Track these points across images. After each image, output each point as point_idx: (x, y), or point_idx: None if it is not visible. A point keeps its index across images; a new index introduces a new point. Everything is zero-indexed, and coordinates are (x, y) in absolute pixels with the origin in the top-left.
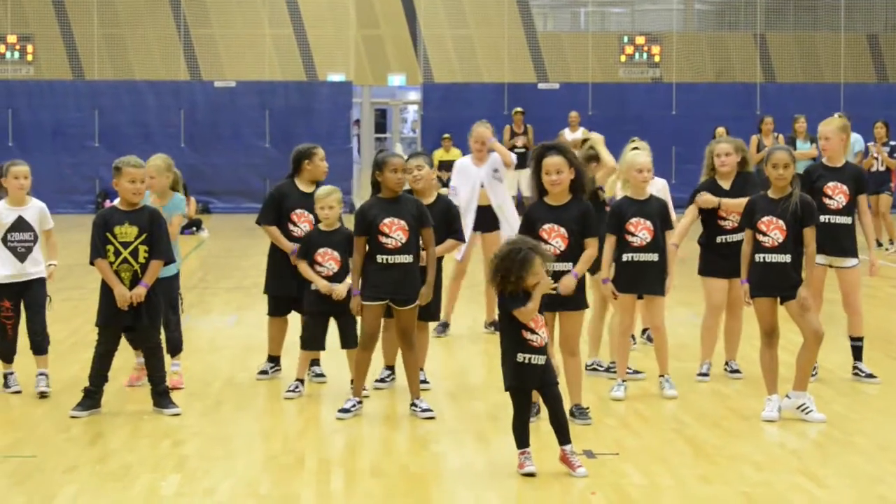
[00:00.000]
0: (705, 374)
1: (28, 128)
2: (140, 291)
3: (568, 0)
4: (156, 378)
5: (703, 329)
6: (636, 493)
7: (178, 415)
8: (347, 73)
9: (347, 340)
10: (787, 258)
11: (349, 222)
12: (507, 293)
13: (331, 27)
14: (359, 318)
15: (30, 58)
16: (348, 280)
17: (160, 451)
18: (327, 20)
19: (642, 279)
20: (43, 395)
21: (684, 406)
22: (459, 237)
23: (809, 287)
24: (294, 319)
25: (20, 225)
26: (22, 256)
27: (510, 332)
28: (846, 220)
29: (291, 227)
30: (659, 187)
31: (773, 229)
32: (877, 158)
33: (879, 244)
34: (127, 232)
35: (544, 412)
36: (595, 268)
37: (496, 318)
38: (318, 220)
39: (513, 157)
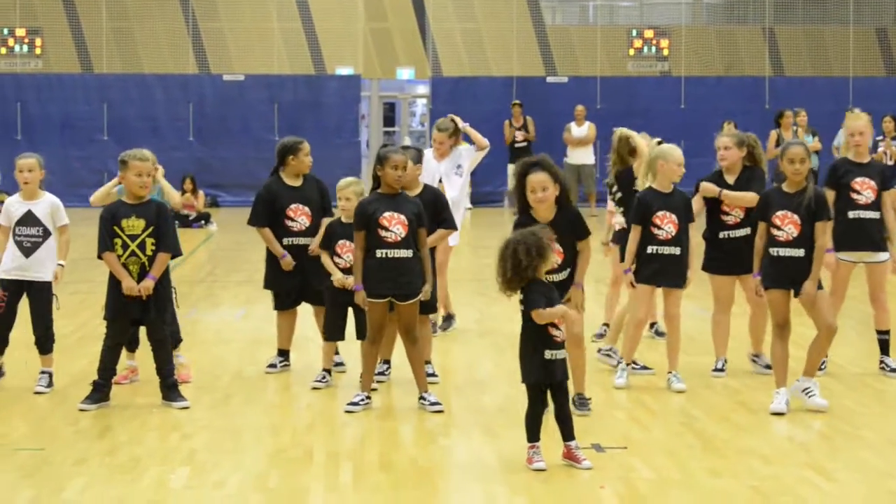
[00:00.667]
0: (720, 370)
1: (37, 121)
2: (148, 284)
3: None
4: (164, 371)
5: (714, 325)
6: (645, 487)
7: (186, 408)
8: (356, 67)
9: (363, 331)
10: (802, 252)
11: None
12: (522, 285)
13: (339, 20)
14: None
15: (38, 51)
16: None
17: (169, 444)
18: (336, 13)
19: (665, 272)
20: (39, 394)
21: (693, 400)
22: (450, 225)
23: (813, 280)
24: (305, 313)
25: (28, 219)
26: (27, 251)
27: (537, 329)
28: (875, 214)
29: (289, 223)
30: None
31: (788, 223)
32: (885, 153)
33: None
34: (134, 225)
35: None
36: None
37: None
38: (314, 211)
39: (486, 142)
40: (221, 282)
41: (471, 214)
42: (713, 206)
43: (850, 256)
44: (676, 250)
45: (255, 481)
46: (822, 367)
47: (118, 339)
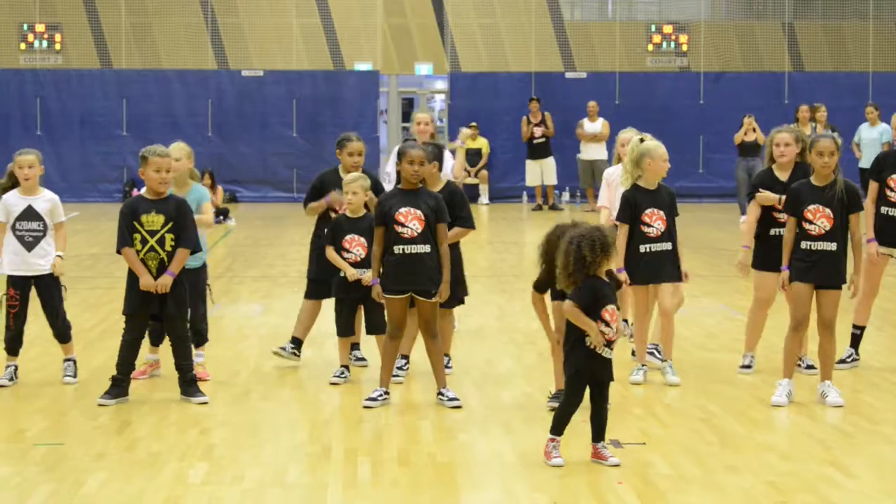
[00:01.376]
0: (748, 367)
1: (56, 116)
2: (166, 281)
3: None
4: (184, 367)
5: (749, 321)
6: (663, 483)
7: (205, 403)
8: (374, 63)
9: (373, 326)
10: (834, 246)
11: None
12: (583, 279)
13: (358, 16)
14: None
15: (58, 47)
16: None
17: (188, 440)
18: (354, 9)
19: (660, 268)
20: (69, 384)
21: (711, 396)
22: (468, 224)
23: (859, 273)
24: (325, 309)
25: (29, 214)
26: (29, 246)
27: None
28: None
29: (333, 214)
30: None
31: (820, 217)
32: None
33: None
34: (154, 221)
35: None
36: None
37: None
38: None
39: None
40: (240, 277)
41: (488, 210)
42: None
43: (882, 250)
44: (668, 245)
45: (274, 477)
46: (849, 359)
47: (136, 334)
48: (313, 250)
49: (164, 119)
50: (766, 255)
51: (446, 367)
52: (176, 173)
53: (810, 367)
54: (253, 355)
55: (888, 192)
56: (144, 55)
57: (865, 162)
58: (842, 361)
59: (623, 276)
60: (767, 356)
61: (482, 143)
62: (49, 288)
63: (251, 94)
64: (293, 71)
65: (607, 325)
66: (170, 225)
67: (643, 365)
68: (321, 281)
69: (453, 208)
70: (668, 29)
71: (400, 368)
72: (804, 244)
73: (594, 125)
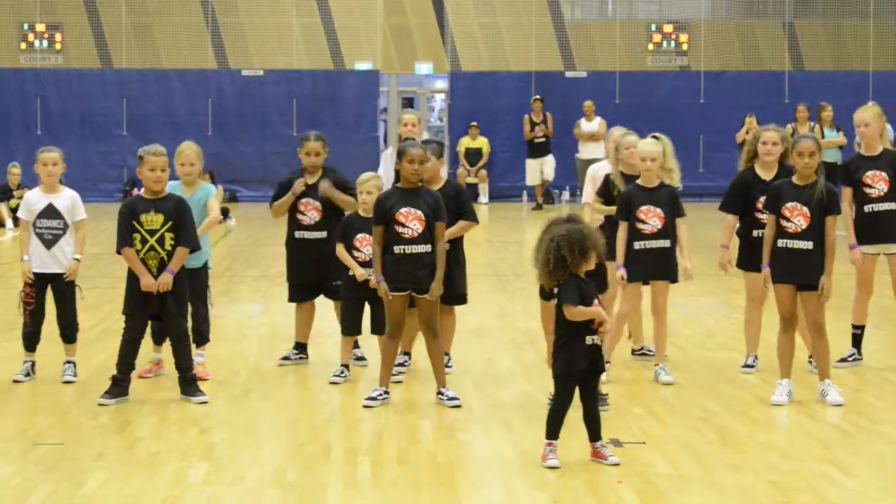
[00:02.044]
0: (750, 366)
1: (57, 116)
2: (167, 280)
3: None
4: (184, 366)
5: (746, 322)
6: (663, 483)
7: (205, 403)
8: (374, 62)
9: (378, 326)
10: (811, 245)
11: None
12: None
13: (358, 15)
14: None
15: (58, 46)
16: None
17: (187, 439)
18: (354, 8)
19: (654, 266)
20: (68, 383)
21: (711, 395)
22: (471, 218)
23: (829, 276)
24: (322, 307)
25: (49, 212)
26: (49, 243)
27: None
28: (892, 205)
29: (300, 216)
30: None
31: (798, 216)
32: None
33: None
34: (153, 220)
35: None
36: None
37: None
38: (324, 207)
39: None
40: (239, 277)
41: (488, 209)
42: (748, 204)
43: (871, 249)
44: (665, 243)
45: (274, 476)
46: (851, 358)
47: (136, 333)
48: (289, 254)
49: (165, 118)
50: (750, 255)
51: (446, 366)
52: (190, 176)
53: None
54: (252, 355)
55: (867, 190)
56: (145, 55)
57: None
58: (843, 360)
59: (621, 273)
60: (768, 355)
61: (482, 143)
62: (64, 287)
63: (251, 94)
64: (293, 70)
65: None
66: (169, 224)
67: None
68: (300, 284)
69: (457, 205)
70: (668, 28)
71: (401, 365)
72: (781, 242)
73: (591, 125)
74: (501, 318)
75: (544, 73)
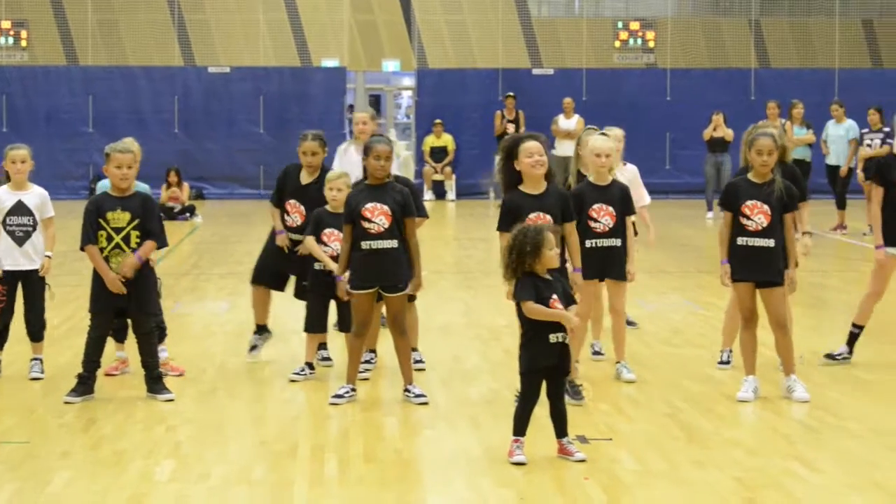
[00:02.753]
0: (726, 363)
1: (22, 113)
2: (132, 262)
3: None
4: (150, 364)
5: (727, 317)
6: (629, 478)
7: (171, 400)
8: (341, 59)
9: (344, 323)
10: (772, 242)
11: None
12: (518, 276)
13: (325, 12)
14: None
15: (24, 43)
16: None
17: (154, 437)
18: (321, 5)
19: (607, 265)
20: (35, 380)
21: (677, 391)
22: (423, 213)
23: (794, 269)
24: (292, 304)
25: (19, 209)
26: (20, 241)
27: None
28: None
29: (285, 217)
30: (629, 177)
31: (758, 213)
32: (870, 145)
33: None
34: (119, 217)
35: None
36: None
37: None
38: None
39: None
40: (206, 274)
41: (455, 206)
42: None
43: (892, 251)
44: (616, 242)
45: (240, 474)
46: (840, 356)
47: (102, 331)
48: (268, 245)
49: (131, 116)
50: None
51: (419, 361)
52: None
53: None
54: (219, 352)
55: None
56: (111, 52)
57: (833, 159)
58: (831, 357)
59: (576, 276)
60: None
61: (447, 140)
62: (35, 285)
63: (218, 91)
64: (260, 67)
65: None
66: (136, 222)
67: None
68: (267, 268)
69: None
70: (634, 25)
71: (367, 362)
72: (741, 240)
73: (569, 122)
74: (468, 315)
75: (511, 71)
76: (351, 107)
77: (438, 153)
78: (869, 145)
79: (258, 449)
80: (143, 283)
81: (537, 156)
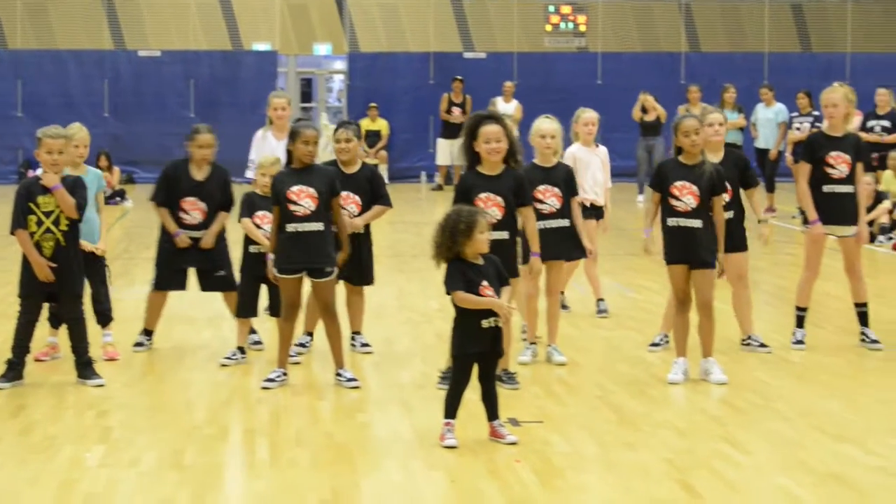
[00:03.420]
0: (657, 345)
1: None
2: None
3: None
4: (79, 349)
5: (668, 302)
6: (560, 461)
7: (101, 386)
8: (273, 43)
9: (276, 308)
10: (700, 223)
11: None
12: (448, 260)
13: None
14: None
15: None
16: None
17: (84, 423)
18: None
19: (552, 245)
20: None
21: (609, 374)
22: (386, 202)
23: (723, 252)
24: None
25: None
26: None
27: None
28: (849, 188)
29: (183, 214)
30: (602, 158)
31: (687, 194)
32: (799, 129)
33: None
34: (49, 201)
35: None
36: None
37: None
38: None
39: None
40: (136, 259)
41: (389, 190)
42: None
43: (826, 230)
44: (564, 222)
45: (171, 459)
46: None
47: (32, 316)
48: (166, 247)
49: (60, 100)
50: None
51: (365, 345)
52: (80, 158)
53: (763, 345)
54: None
55: (829, 171)
56: (40, 35)
57: (762, 142)
58: (799, 343)
59: (534, 260)
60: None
61: (381, 125)
62: None
63: (148, 75)
64: (190, 51)
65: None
66: None
67: (532, 343)
68: (167, 270)
69: (374, 188)
70: (566, 9)
71: (302, 346)
72: (671, 221)
73: (508, 106)
74: (400, 298)
75: (443, 54)
76: (282, 90)
77: (372, 137)
78: (798, 129)
79: (189, 433)
80: (71, 267)
81: (494, 142)
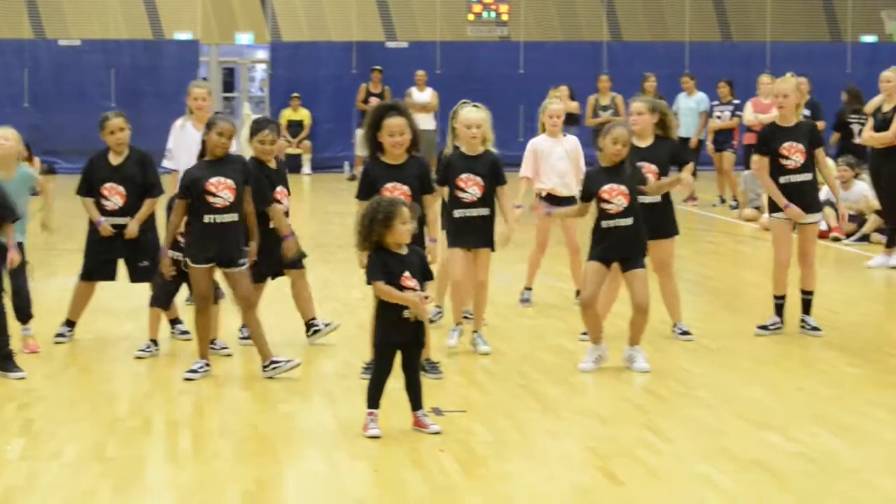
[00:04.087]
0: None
1: None
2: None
3: None
4: None
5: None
6: (484, 450)
7: (22, 378)
8: (194, 32)
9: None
10: (631, 220)
11: None
12: (369, 247)
13: None
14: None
15: None
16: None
17: (4, 415)
18: None
19: (472, 234)
20: None
21: (531, 362)
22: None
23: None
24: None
25: None
26: None
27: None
28: (807, 176)
29: (104, 201)
30: (572, 147)
31: (617, 195)
32: (720, 118)
33: (723, 201)
34: None
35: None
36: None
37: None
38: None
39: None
40: (57, 250)
41: (311, 180)
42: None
43: (782, 216)
44: (484, 211)
45: (93, 451)
46: (773, 326)
47: None
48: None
49: None
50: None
51: (320, 328)
52: (9, 157)
53: (685, 333)
54: None
55: (784, 161)
56: None
57: (683, 131)
58: (764, 328)
59: (432, 246)
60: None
61: (303, 115)
62: None
63: (68, 64)
64: (111, 40)
65: (413, 290)
66: None
67: (458, 324)
68: (96, 261)
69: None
70: None
71: (246, 338)
72: (605, 223)
73: (423, 95)
74: (324, 289)
75: (365, 44)
76: (204, 79)
77: (295, 127)
78: (719, 117)
79: (111, 426)
80: None
81: (398, 136)
